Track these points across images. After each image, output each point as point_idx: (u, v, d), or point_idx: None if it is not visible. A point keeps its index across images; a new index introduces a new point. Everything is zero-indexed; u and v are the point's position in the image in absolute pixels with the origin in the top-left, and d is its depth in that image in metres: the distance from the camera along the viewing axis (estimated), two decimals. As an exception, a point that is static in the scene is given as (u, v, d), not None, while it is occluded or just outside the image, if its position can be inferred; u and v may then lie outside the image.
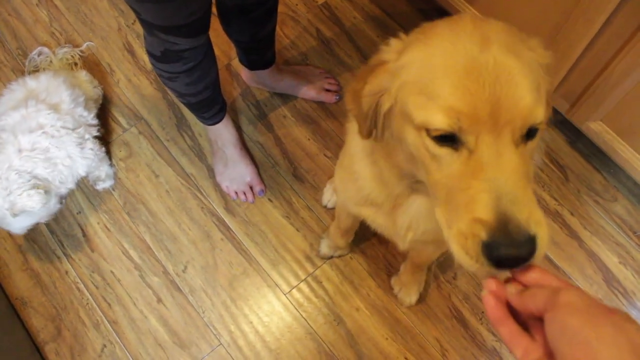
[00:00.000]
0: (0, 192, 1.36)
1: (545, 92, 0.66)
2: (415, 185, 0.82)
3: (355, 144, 0.94)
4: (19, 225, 1.46)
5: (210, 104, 1.48)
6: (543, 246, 0.58)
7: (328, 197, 1.62)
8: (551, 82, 0.69)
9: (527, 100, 0.59)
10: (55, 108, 1.46)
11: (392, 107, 0.69)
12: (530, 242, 0.57)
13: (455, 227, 0.61)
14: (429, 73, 0.63)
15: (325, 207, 1.63)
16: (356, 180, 0.96)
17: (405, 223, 0.93)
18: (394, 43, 0.71)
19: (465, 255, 0.60)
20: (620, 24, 1.25)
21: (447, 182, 0.63)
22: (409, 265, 1.46)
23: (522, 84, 0.59)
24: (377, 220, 1.01)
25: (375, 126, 0.76)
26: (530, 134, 0.62)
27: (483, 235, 0.57)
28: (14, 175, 1.37)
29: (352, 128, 0.95)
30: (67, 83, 1.53)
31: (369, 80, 0.72)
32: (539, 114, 0.60)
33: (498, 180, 0.58)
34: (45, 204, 1.42)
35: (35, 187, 1.39)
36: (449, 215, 0.63)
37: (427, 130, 0.63)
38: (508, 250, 0.57)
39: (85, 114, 1.54)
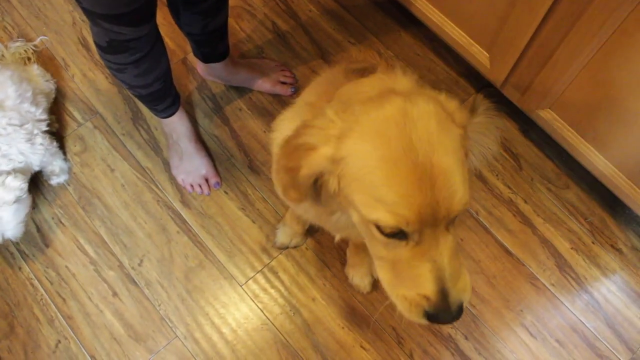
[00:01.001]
0: None
1: (465, 150, 0.74)
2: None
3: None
4: (14, 223, 1.45)
5: (162, 97, 1.47)
6: (466, 306, 0.78)
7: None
8: (467, 137, 0.78)
9: (460, 195, 0.69)
10: (-1, 105, 1.45)
11: (336, 190, 0.75)
12: (460, 309, 0.74)
13: (401, 292, 0.75)
14: (372, 175, 0.69)
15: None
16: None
17: (333, 228, 1.05)
18: (327, 126, 0.73)
19: (409, 313, 0.75)
20: (562, 12, 1.28)
21: (394, 259, 0.74)
22: (352, 247, 1.48)
23: (455, 183, 0.68)
24: (309, 219, 1.12)
25: (314, 194, 0.81)
26: None
27: (427, 307, 0.73)
28: None
29: (277, 142, 1.00)
30: (15, 78, 1.50)
31: (304, 164, 0.75)
32: (467, 200, 0.71)
33: (438, 262, 0.71)
34: (26, 184, 1.45)
35: (8, 174, 1.41)
36: (394, 279, 0.76)
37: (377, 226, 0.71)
38: (445, 319, 0.74)
39: (32, 109, 1.51)
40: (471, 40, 1.59)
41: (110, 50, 1.23)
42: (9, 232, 1.46)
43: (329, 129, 0.72)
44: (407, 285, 0.74)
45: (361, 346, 1.51)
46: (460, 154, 0.71)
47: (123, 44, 1.20)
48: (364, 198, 0.70)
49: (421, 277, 0.72)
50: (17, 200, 1.41)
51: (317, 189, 0.79)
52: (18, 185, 1.40)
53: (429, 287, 0.72)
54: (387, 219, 0.68)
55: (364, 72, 0.98)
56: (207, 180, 1.64)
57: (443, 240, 0.71)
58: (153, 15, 1.19)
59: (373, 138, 0.69)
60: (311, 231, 1.59)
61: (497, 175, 1.71)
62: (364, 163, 0.69)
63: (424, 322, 0.75)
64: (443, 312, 0.72)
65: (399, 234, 0.71)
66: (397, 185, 0.67)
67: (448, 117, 0.72)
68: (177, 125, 1.59)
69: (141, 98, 1.46)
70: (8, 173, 1.42)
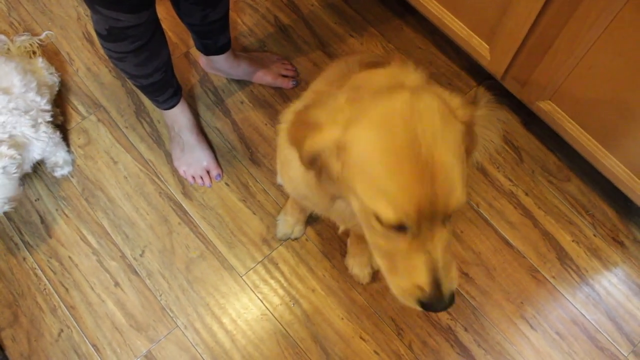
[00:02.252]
0: None
1: (465, 150, 0.76)
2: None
3: (291, 156, 1.00)
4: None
5: (163, 88, 1.49)
6: (463, 294, 0.81)
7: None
8: (471, 133, 0.80)
9: (458, 193, 0.71)
10: (5, 91, 1.46)
11: (339, 175, 0.76)
12: (452, 297, 0.77)
13: (397, 281, 0.79)
14: (375, 166, 0.71)
15: (280, 185, 1.65)
16: (292, 181, 1.05)
17: (338, 218, 1.09)
18: (337, 109, 0.76)
19: (404, 300, 0.79)
20: (560, 1, 1.28)
21: (391, 250, 0.77)
22: (352, 237, 1.49)
23: (454, 180, 0.70)
24: (316, 211, 1.16)
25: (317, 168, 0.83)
26: None
27: (421, 296, 0.77)
28: None
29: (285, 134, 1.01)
30: (19, 69, 1.52)
31: (309, 138, 0.77)
32: (464, 199, 0.73)
33: (433, 254, 0.74)
34: (19, 159, 1.43)
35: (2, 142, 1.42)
36: (391, 266, 0.79)
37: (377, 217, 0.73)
38: (438, 307, 0.77)
39: (37, 99, 1.53)
40: (471, 32, 1.59)
41: (110, 38, 1.25)
42: None
43: (338, 114, 0.75)
44: (403, 274, 0.77)
45: (360, 337, 1.52)
46: (461, 151, 0.73)
47: (122, 32, 1.22)
48: (366, 187, 0.72)
49: (416, 268, 0.75)
50: (4, 171, 1.39)
51: (317, 167, 0.81)
52: (11, 154, 1.39)
53: (423, 279, 0.75)
54: (389, 212, 0.70)
55: (378, 65, 0.99)
56: (208, 172, 1.66)
57: (439, 234, 0.74)
58: (152, 2, 1.20)
59: (379, 128, 0.71)
60: (311, 223, 1.59)
61: (498, 168, 1.71)
62: (368, 152, 0.71)
63: (418, 308, 0.78)
64: (437, 301, 0.76)
65: (398, 227, 0.72)
66: (399, 178, 0.69)
67: (451, 114, 0.74)
68: (178, 117, 1.61)
69: (142, 89, 1.48)
70: (2, 141, 1.41)
